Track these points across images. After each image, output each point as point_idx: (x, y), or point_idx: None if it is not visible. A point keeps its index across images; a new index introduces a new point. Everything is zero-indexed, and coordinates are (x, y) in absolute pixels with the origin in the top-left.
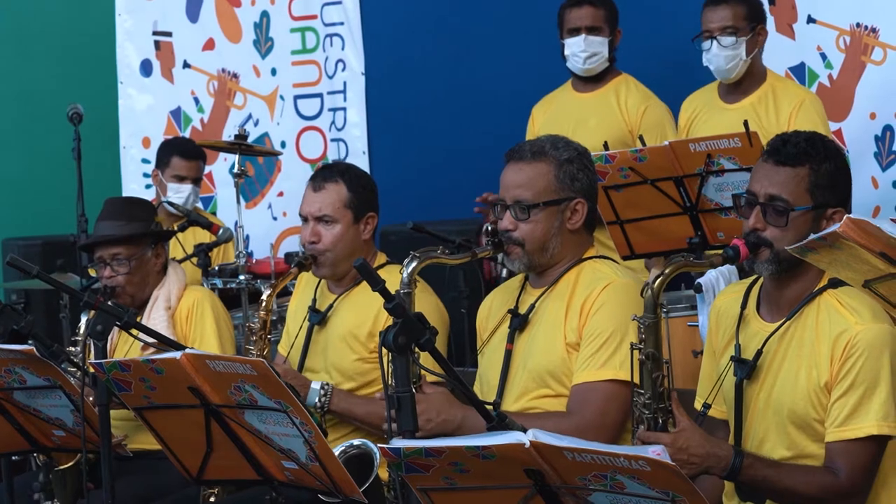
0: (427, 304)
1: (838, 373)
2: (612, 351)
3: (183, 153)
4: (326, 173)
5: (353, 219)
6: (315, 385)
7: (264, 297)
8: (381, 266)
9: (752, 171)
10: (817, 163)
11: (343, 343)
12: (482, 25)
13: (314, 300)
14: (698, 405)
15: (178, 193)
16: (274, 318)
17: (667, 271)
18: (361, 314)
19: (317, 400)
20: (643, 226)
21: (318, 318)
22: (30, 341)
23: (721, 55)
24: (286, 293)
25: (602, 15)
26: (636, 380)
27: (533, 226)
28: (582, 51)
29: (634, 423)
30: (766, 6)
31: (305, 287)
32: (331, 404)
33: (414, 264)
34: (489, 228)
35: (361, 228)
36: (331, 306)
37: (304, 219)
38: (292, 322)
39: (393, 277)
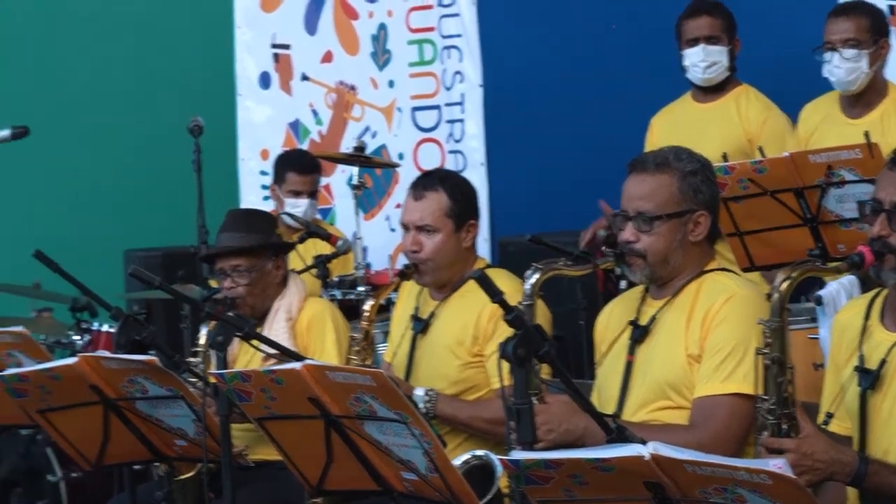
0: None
1: None
2: (735, 364)
3: (297, 169)
4: (427, 181)
5: (455, 227)
6: (419, 391)
7: (367, 307)
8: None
9: (877, 179)
10: None
11: (447, 351)
12: (600, 35)
13: (416, 308)
14: (821, 420)
15: (296, 208)
16: (389, 329)
17: (794, 274)
18: (463, 319)
19: (421, 406)
20: (763, 237)
21: (420, 326)
22: (152, 352)
23: (843, 67)
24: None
25: (720, 24)
26: (760, 385)
27: (655, 238)
28: (701, 60)
29: (758, 429)
30: (888, 17)
31: (408, 295)
32: (436, 410)
33: (537, 276)
34: (603, 235)
35: (462, 236)
36: (432, 314)
37: (406, 227)
38: (396, 330)
39: (497, 281)
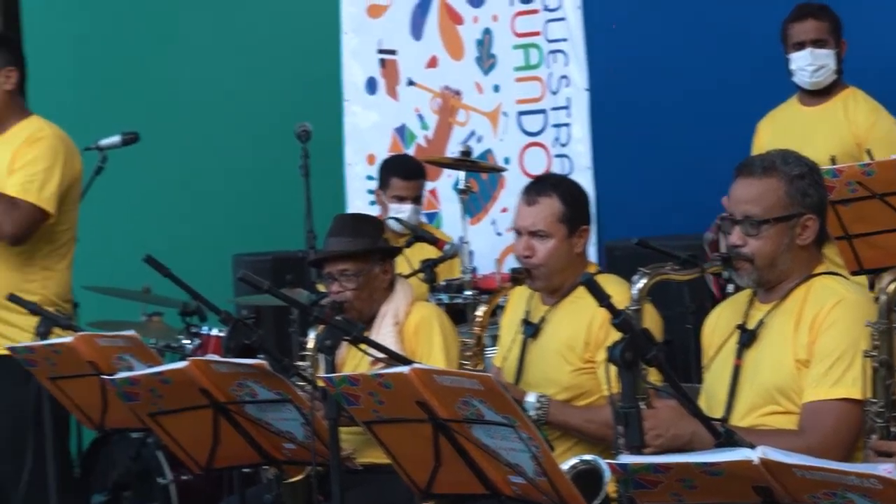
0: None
1: None
2: (844, 369)
3: (401, 174)
4: (539, 187)
5: (567, 233)
6: (531, 398)
7: (479, 312)
8: (593, 276)
9: None
10: None
11: (558, 356)
12: (706, 40)
13: (527, 312)
14: None
15: (399, 214)
16: (498, 333)
17: None
18: (574, 325)
19: (533, 412)
20: (872, 240)
21: (531, 330)
22: (261, 355)
23: None
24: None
25: (826, 27)
26: (869, 388)
27: (763, 242)
28: (809, 64)
29: (866, 432)
30: None
31: (518, 299)
32: (548, 416)
33: (644, 281)
34: (710, 238)
35: (574, 242)
36: (543, 318)
37: (518, 232)
38: (506, 334)
39: (608, 286)
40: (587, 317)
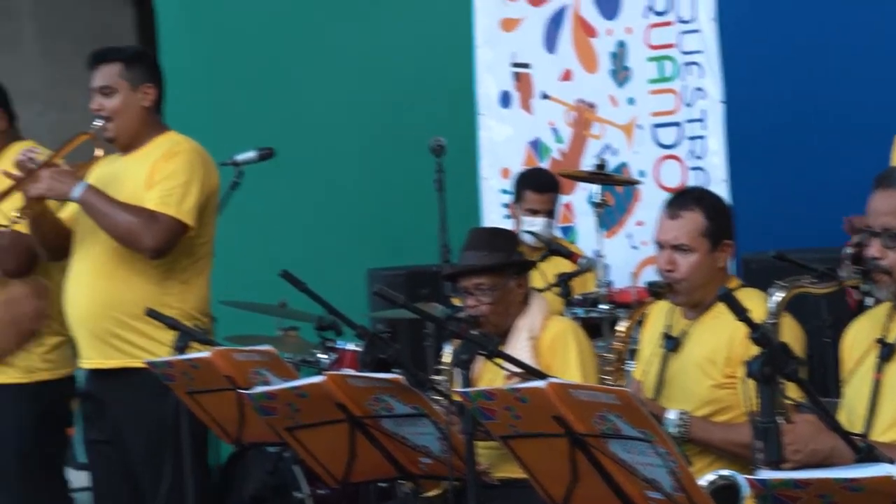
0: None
1: None
2: None
3: (535, 187)
4: (682, 200)
5: (710, 247)
6: (672, 415)
7: (621, 327)
8: (735, 290)
9: None
10: None
11: (698, 370)
12: (843, 50)
13: (667, 326)
14: None
15: (532, 227)
16: (634, 346)
17: None
18: (716, 340)
19: (674, 430)
20: None
21: (672, 344)
22: (397, 370)
23: None
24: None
25: None
26: None
27: None
28: None
29: None
30: None
31: (658, 313)
32: (689, 433)
33: (781, 294)
34: (849, 253)
35: (717, 256)
36: (684, 332)
37: (660, 246)
38: (646, 348)
39: (748, 301)
40: (728, 332)
